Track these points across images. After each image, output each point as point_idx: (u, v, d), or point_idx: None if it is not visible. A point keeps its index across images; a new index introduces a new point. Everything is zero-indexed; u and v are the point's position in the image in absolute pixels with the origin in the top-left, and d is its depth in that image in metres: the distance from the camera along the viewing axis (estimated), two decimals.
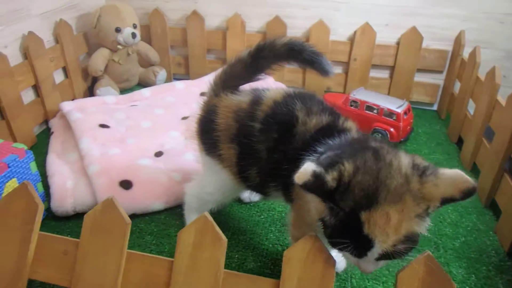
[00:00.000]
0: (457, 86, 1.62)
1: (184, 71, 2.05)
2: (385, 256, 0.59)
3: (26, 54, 1.44)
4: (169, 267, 0.69)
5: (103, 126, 1.43)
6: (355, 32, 1.75)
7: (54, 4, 1.60)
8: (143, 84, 1.96)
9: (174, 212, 1.15)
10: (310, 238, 0.64)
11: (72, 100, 1.66)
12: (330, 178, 0.58)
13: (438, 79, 1.79)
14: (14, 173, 1.01)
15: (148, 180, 1.18)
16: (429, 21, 1.69)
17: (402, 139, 1.49)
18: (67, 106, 1.53)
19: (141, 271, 0.70)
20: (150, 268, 0.70)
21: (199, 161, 1.01)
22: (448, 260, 1.02)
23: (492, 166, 1.17)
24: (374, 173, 0.59)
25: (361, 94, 1.56)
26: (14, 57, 1.39)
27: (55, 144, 1.40)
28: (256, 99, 0.85)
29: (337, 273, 0.96)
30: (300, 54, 0.86)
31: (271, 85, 1.13)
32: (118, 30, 1.74)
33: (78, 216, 1.12)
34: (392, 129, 1.47)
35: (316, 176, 0.58)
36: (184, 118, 1.55)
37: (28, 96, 1.48)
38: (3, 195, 0.97)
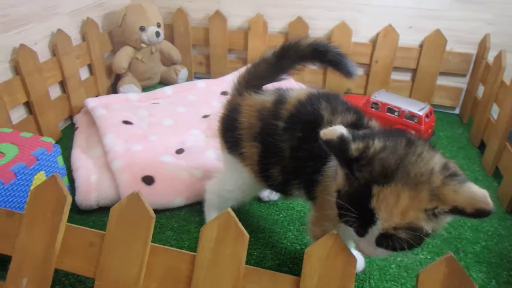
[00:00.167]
0: (480, 90, 1.60)
1: (205, 70, 2.07)
2: (385, 239, 0.59)
3: (54, 51, 1.47)
4: (191, 261, 0.70)
5: (126, 122, 1.46)
6: (377, 34, 1.75)
7: (82, 2, 1.64)
8: (164, 82, 1.99)
9: (194, 209, 1.17)
10: (332, 236, 0.65)
11: (96, 96, 1.69)
12: (354, 147, 0.60)
13: (461, 83, 1.76)
14: (42, 166, 1.04)
15: (169, 176, 1.20)
16: (453, 24, 1.67)
17: None
18: (91, 102, 1.57)
19: (164, 264, 0.71)
20: (173, 262, 0.71)
21: (221, 159, 1.02)
22: (468, 264, 1.01)
23: None
24: (399, 156, 0.60)
25: (382, 96, 1.56)
26: (43, 54, 1.43)
27: (80, 139, 1.43)
28: (280, 98, 0.86)
29: (356, 273, 0.96)
30: (324, 55, 0.86)
31: (294, 85, 1.13)
32: (142, 28, 1.77)
33: (100, 210, 1.15)
34: (413, 132, 1.46)
35: (341, 140, 0.60)
36: (205, 116, 1.57)
37: (54, 92, 1.52)
38: (32, 187, 1.00)
